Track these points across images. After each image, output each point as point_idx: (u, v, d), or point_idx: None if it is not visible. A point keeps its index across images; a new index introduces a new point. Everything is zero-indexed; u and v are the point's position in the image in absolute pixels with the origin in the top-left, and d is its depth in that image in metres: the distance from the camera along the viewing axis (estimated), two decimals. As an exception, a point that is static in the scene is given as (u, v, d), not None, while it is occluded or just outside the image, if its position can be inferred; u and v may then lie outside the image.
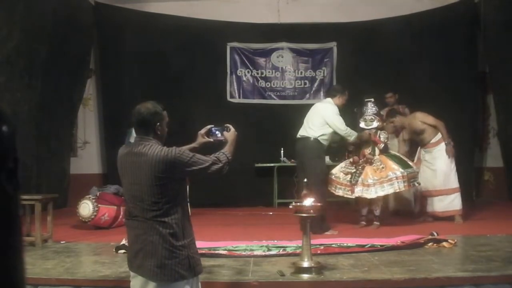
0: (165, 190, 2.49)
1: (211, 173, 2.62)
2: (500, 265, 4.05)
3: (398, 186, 5.89)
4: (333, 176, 6.14)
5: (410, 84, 8.34)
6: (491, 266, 4.06)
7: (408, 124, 6.56)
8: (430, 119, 6.42)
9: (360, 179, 5.93)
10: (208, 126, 2.99)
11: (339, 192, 6.08)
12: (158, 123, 2.64)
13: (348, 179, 6.01)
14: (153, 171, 2.48)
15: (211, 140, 2.97)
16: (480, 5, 8.30)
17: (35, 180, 7.08)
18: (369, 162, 6.02)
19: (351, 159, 6.12)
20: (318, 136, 5.88)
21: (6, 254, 0.82)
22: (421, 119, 6.43)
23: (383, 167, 5.96)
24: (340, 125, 5.90)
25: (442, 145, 6.40)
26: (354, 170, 6.00)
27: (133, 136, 6.94)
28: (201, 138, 2.98)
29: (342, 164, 6.27)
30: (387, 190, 5.90)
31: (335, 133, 5.97)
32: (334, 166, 6.53)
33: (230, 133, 2.89)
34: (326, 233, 5.64)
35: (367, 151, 6.11)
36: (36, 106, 7.08)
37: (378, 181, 5.88)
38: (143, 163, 2.52)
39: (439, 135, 6.44)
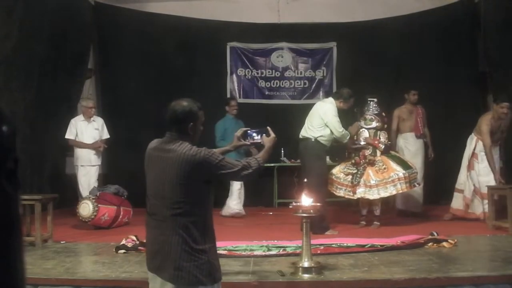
0: (189, 191, 2.41)
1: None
2: (500, 265, 4.05)
3: (401, 187, 5.93)
4: (334, 176, 6.15)
5: (410, 84, 8.33)
6: (491, 266, 4.06)
7: (507, 121, 6.48)
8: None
9: (362, 180, 5.93)
10: (244, 129, 2.92)
11: (340, 192, 6.08)
12: (192, 123, 2.52)
13: (349, 179, 6.01)
14: (179, 169, 2.40)
15: (248, 143, 2.90)
16: (480, 5, 8.29)
17: (30, 180, 7.06)
18: (371, 163, 6.03)
19: (352, 160, 6.12)
20: (318, 137, 5.88)
21: (6, 254, 0.82)
22: None
23: (385, 168, 5.98)
24: (336, 126, 5.87)
25: (497, 148, 6.51)
26: (355, 171, 6.00)
27: (73, 125, 6.83)
28: (237, 141, 2.90)
29: (342, 165, 6.27)
30: (390, 191, 5.93)
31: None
32: (334, 166, 6.53)
33: (269, 139, 2.80)
34: (326, 233, 5.65)
35: (368, 152, 6.11)
36: (32, 106, 7.07)
37: (382, 182, 5.90)
38: (170, 159, 2.43)
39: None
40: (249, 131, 2.90)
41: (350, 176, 6.01)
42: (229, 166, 2.49)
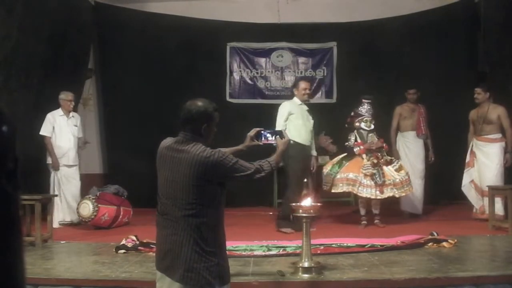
0: (201, 192, 2.40)
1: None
2: (500, 265, 4.06)
3: (412, 186, 6.14)
4: (353, 177, 6.03)
5: (410, 84, 8.34)
6: (491, 266, 4.06)
7: (486, 109, 6.43)
8: (507, 121, 6.34)
9: (386, 180, 5.95)
10: (257, 129, 2.90)
11: (366, 194, 5.97)
12: (206, 124, 2.51)
13: (370, 180, 5.98)
14: (192, 170, 2.39)
15: (261, 143, 2.87)
16: (480, 5, 8.28)
17: (29, 180, 7.04)
18: (389, 162, 6.14)
19: (373, 160, 6.07)
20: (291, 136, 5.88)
21: (6, 254, 0.82)
22: (500, 114, 6.37)
23: (400, 167, 6.15)
24: (278, 121, 5.91)
25: (497, 145, 6.37)
26: (375, 171, 5.99)
27: (49, 121, 6.54)
28: (250, 140, 2.87)
29: (356, 165, 6.15)
30: (406, 189, 6.05)
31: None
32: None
33: (282, 141, 2.79)
34: (282, 230, 5.82)
35: (379, 154, 6.16)
36: (33, 106, 7.06)
37: (404, 179, 6.04)
38: (183, 160, 2.42)
39: (497, 135, 6.40)
40: (263, 131, 2.88)
41: (369, 177, 5.98)
42: (242, 169, 2.49)
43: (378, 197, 5.98)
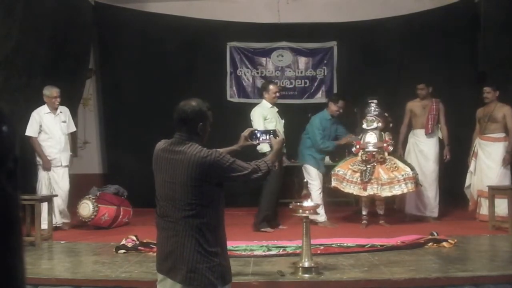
0: (200, 193, 2.40)
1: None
2: (500, 265, 4.06)
3: (411, 186, 5.94)
4: (341, 173, 6.12)
5: (409, 84, 8.34)
6: (491, 266, 4.06)
7: (493, 108, 6.41)
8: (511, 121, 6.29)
9: (373, 178, 5.95)
10: (251, 129, 2.92)
11: (349, 189, 6.03)
12: (201, 123, 2.52)
13: (357, 176, 6.00)
14: (189, 171, 2.38)
15: (254, 143, 2.88)
16: (480, 5, 8.28)
17: (28, 180, 7.02)
18: (382, 161, 6.08)
19: (363, 157, 6.08)
20: None
21: (6, 254, 0.82)
22: (506, 113, 6.31)
23: (395, 167, 6.04)
24: (257, 126, 5.78)
25: (499, 145, 6.33)
26: (365, 168, 5.99)
27: (35, 120, 6.15)
28: (244, 140, 2.88)
29: (349, 162, 6.22)
30: (401, 189, 5.96)
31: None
32: (334, 166, 6.53)
33: (277, 141, 2.80)
34: (262, 230, 5.93)
35: (374, 153, 6.14)
36: (33, 106, 7.05)
37: (395, 180, 5.95)
38: (180, 161, 2.42)
39: (501, 134, 6.35)
40: (256, 131, 2.89)
41: (358, 174, 6.00)
42: (239, 168, 2.48)
43: (361, 194, 6.04)
